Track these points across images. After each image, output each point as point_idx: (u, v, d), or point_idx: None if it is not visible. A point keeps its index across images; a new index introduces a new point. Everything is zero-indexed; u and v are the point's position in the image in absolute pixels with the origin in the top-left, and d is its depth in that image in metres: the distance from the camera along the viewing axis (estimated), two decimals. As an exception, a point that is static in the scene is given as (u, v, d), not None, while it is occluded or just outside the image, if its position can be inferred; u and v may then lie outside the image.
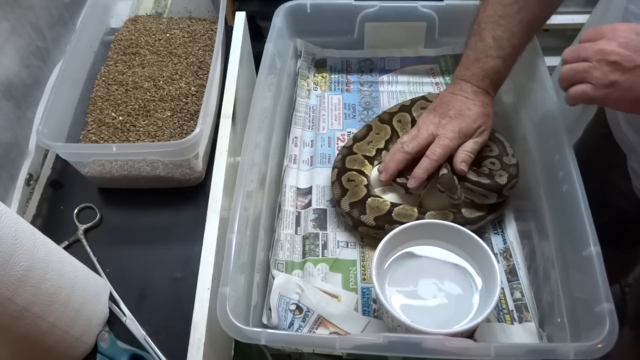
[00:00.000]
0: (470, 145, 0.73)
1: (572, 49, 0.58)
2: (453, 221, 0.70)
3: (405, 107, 0.85)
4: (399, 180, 0.74)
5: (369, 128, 0.84)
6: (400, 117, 0.84)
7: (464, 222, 0.70)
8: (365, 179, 0.79)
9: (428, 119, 0.74)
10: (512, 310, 0.69)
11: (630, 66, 0.52)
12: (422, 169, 0.71)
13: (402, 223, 0.70)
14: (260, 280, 0.71)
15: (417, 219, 0.71)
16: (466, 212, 0.73)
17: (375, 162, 0.82)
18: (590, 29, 0.57)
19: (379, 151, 0.82)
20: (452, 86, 0.76)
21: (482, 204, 0.74)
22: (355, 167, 0.79)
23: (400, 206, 0.73)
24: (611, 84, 0.54)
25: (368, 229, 0.74)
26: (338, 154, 0.82)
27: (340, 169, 0.79)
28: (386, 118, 0.85)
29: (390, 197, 0.76)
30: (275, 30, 0.84)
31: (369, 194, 0.76)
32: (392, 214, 0.72)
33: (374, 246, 0.68)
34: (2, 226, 0.48)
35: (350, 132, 0.89)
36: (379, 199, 0.75)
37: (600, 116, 0.90)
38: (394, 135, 0.83)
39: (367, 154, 0.81)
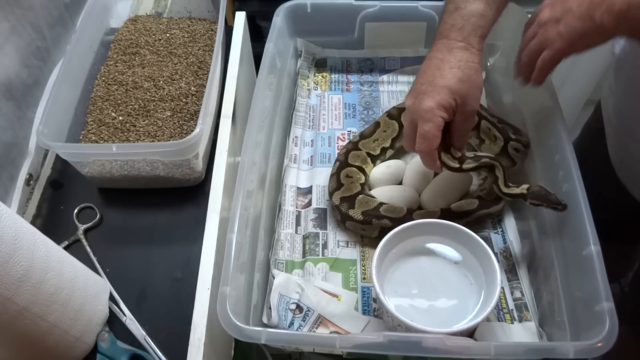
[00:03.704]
0: (459, 126, 0.66)
1: (524, 40, 0.65)
2: (440, 216, 0.71)
3: None
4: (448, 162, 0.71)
5: (376, 125, 0.84)
6: None
7: (451, 218, 0.71)
8: (363, 177, 0.79)
9: (409, 101, 0.66)
10: (512, 310, 0.69)
11: (559, 15, 0.60)
12: (426, 164, 0.67)
13: (390, 218, 0.71)
14: (261, 279, 0.71)
15: (405, 215, 0.72)
16: (454, 207, 0.74)
17: (378, 161, 0.83)
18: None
19: (384, 150, 0.83)
20: (429, 51, 0.67)
21: (471, 202, 0.74)
22: (357, 164, 0.80)
23: (389, 203, 0.74)
24: (559, 35, 0.60)
25: (355, 224, 0.74)
26: (343, 148, 0.83)
27: (342, 163, 0.80)
28: (395, 114, 0.85)
29: (385, 199, 0.76)
30: (275, 30, 0.84)
31: (362, 192, 0.76)
32: (380, 209, 0.73)
33: (374, 245, 0.68)
34: (2, 226, 0.48)
35: (350, 131, 0.89)
36: (370, 197, 0.75)
37: (597, 112, 0.90)
38: (402, 132, 0.83)
39: (372, 152, 0.82)
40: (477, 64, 0.65)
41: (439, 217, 0.71)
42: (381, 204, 0.74)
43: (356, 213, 0.73)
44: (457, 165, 0.69)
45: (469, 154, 0.71)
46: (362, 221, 0.73)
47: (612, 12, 0.56)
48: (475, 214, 0.74)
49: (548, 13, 0.62)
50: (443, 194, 0.76)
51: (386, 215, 0.72)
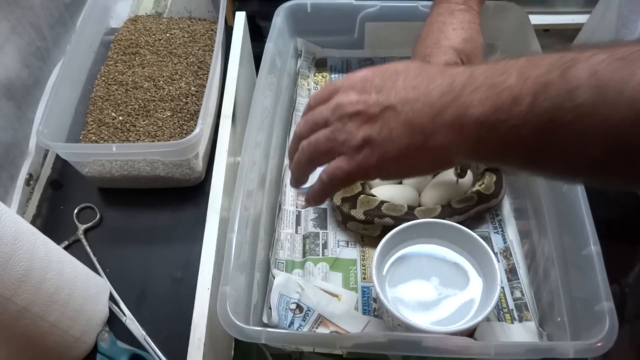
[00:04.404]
0: None
1: (302, 120, 0.45)
2: (441, 213, 0.71)
3: None
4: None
5: None
6: None
7: (452, 214, 0.71)
8: None
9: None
10: (512, 309, 0.69)
11: (377, 111, 0.40)
12: None
13: (391, 217, 0.71)
14: (261, 279, 0.71)
15: (406, 213, 0.72)
16: (454, 203, 0.74)
17: None
18: (320, 90, 0.46)
19: None
20: (429, 16, 0.67)
21: (470, 197, 0.74)
22: None
23: (390, 202, 0.74)
24: (365, 142, 0.41)
25: (357, 224, 0.74)
26: None
27: None
28: None
29: (386, 198, 0.76)
30: (275, 29, 0.84)
31: (362, 192, 0.76)
32: (382, 208, 0.73)
33: (374, 245, 0.68)
34: (2, 226, 0.48)
35: (350, 131, 0.89)
36: (371, 196, 0.75)
37: None
38: None
39: None
40: (478, 25, 0.65)
41: (440, 214, 0.71)
42: (382, 202, 0.74)
43: (358, 213, 0.73)
44: None
45: None
46: (364, 221, 0.73)
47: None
48: (475, 209, 0.74)
49: (353, 97, 0.41)
50: (443, 193, 0.76)
51: (388, 214, 0.72)
